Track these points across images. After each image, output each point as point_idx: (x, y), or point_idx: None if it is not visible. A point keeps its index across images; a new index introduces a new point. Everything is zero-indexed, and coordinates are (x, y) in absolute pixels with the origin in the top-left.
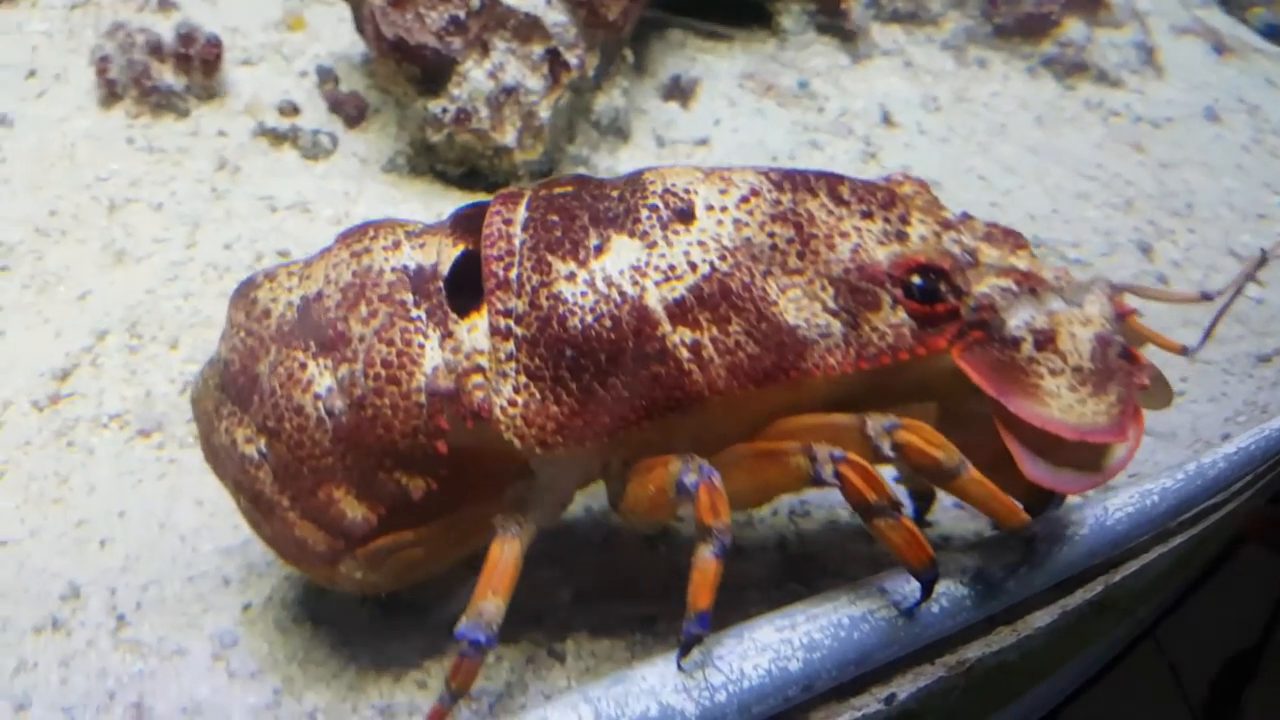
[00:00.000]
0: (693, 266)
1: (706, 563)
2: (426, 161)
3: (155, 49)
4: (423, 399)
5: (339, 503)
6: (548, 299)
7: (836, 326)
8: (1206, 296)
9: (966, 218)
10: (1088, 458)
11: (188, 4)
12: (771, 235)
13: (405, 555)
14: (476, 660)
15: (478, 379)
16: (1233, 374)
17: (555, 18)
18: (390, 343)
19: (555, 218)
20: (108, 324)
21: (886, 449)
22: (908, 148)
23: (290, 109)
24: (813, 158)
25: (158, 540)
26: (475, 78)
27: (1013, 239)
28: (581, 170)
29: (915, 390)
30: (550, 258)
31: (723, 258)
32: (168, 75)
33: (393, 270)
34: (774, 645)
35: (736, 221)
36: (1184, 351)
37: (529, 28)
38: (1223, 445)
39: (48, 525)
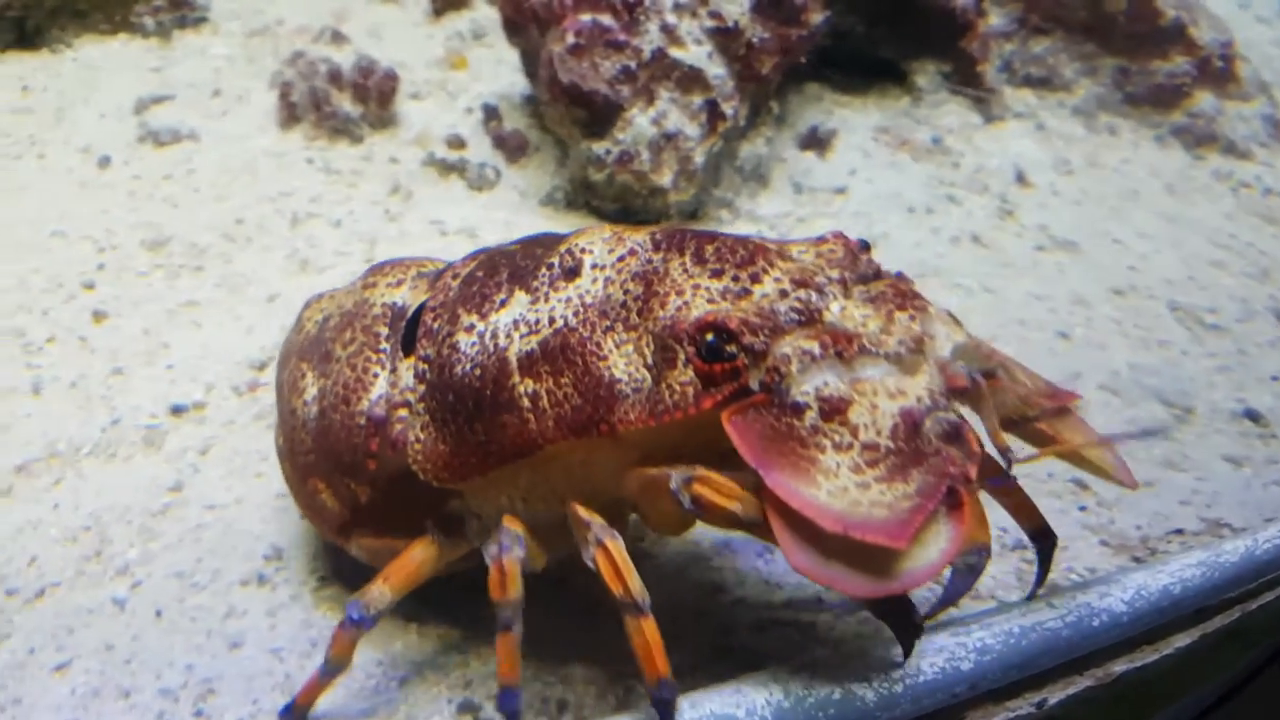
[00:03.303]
0: (550, 322)
1: (633, 626)
2: (583, 198)
3: (335, 78)
4: (363, 421)
5: (321, 494)
6: (448, 348)
7: (648, 382)
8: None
9: (873, 277)
10: (873, 556)
11: (358, 38)
12: (626, 292)
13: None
14: (350, 635)
15: (403, 413)
16: None
17: (715, 70)
18: (354, 368)
19: (481, 273)
20: None
21: (687, 502)
22: (1042, 207)
23: (458, 142)
24: (950, 211)
25: None
26: (639, 123)
27: (898, 301)
28: (724, 213)
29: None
30: (460, 310)
31: (577, 314)
32: (345, 103)
33: (381, 305)
34: (949, 647)
35: (607, 280)
36: (1007, 457)
37: (691, 79)
38: None
39: (251, 495)
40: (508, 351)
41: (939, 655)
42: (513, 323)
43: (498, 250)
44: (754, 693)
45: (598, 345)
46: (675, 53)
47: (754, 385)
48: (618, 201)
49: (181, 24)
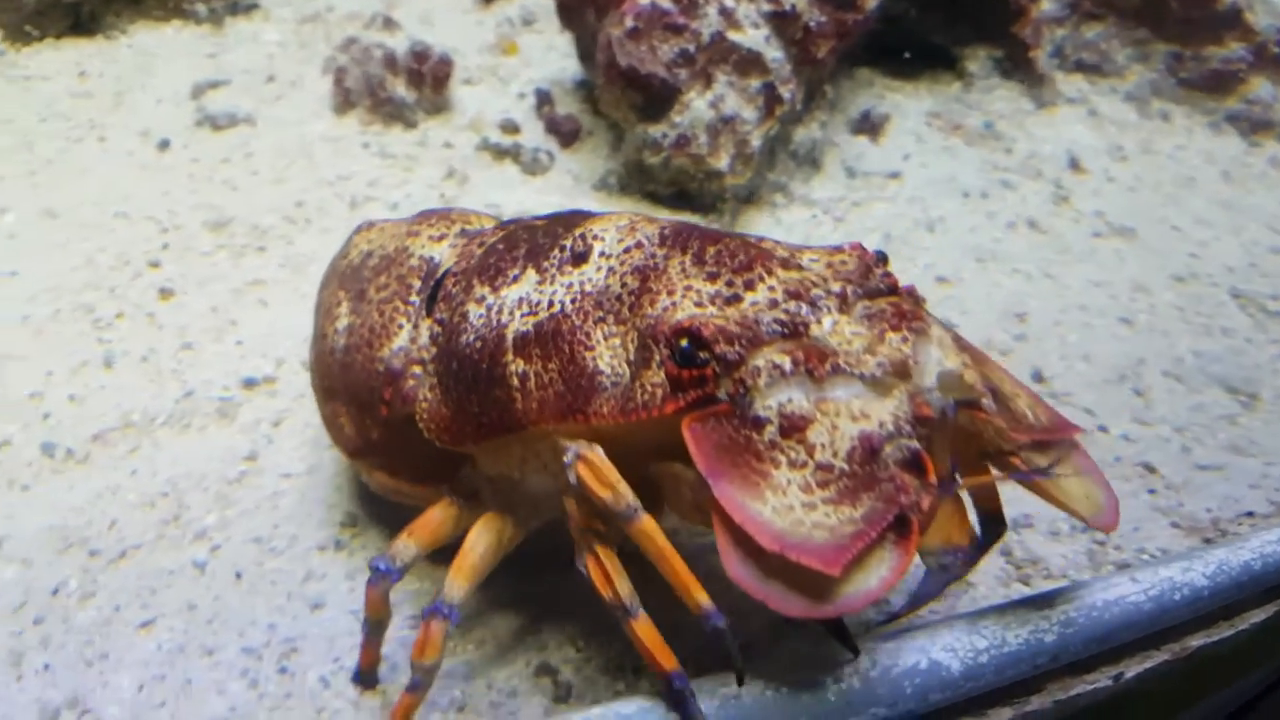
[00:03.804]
0: (549, 305)
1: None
2: (638, 182)
3: (390, 63)
4: (381, 368)
5: (340, 417)
6: (459, 316)
7: (626, 379)
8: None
9: (882, 292)
10: (811, 578)
11: (409, 24)
12: (623, 285)
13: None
14: (380, 588)
15: (416, 370)
16: None
17: (773, 54)
18: (382, 314)
19: (502, 246)
20: None
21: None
22: (1097, 194)
23: (511, 127)
24: (1005, 197)
25: None
26: (697, 106)
27: (894, 321)
28: (778, 196)
29: None
30: (475, 280)
31: (574, 301)
32: (400, 88)
33: (419, 258)
34: (1033, 620)
35: (610, 270)
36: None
37: (749, 63)
38: None
39: (323, 465)
40: (507, 329)
41: (1024, 627)
42: (518, 300)
43: (525, 224)
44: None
45: (587, 335)
46: (733, 36)
47: (721, 394)
48: (672, 185)
49: (233, 10)
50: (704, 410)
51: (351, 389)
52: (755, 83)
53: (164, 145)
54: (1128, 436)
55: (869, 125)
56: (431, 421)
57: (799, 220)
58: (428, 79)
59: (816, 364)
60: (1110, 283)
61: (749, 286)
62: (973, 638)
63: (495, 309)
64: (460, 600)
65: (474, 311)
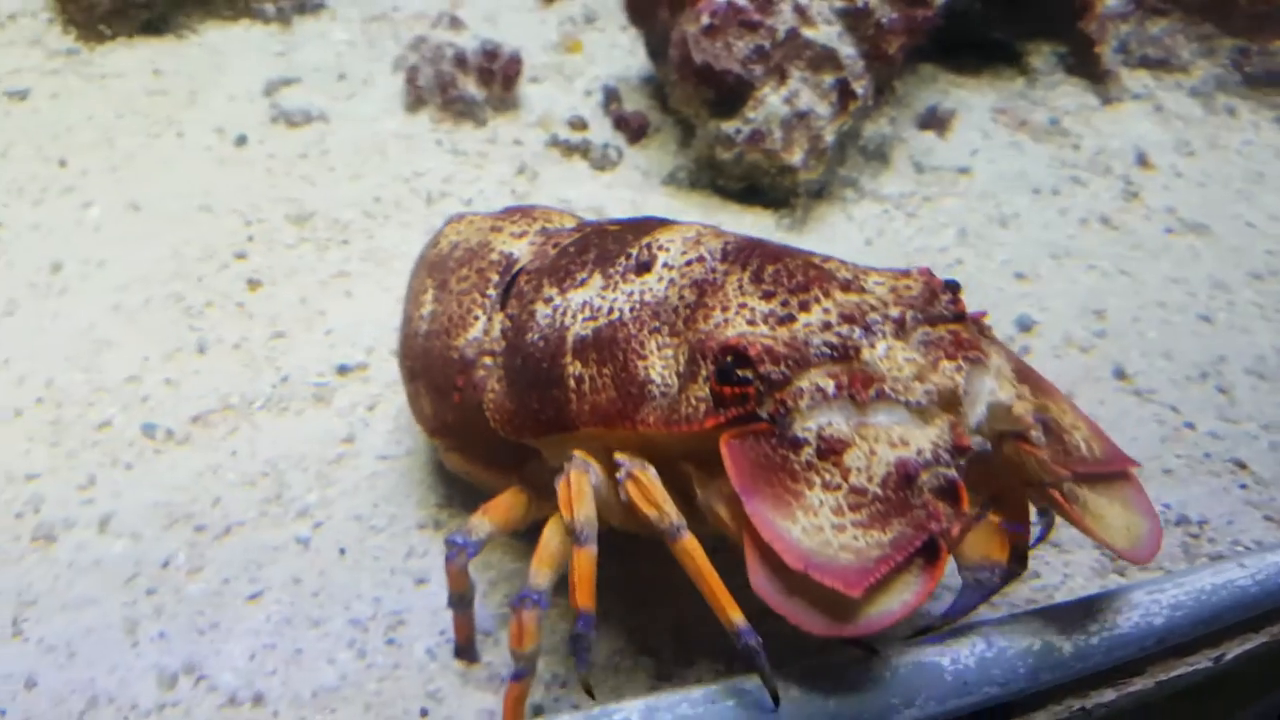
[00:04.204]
0: (610, 311)
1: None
2: (708, 176)
3: (461, 62)
4: (456, 356)
5: (421, 397)
6: (526, 314)
7: (674, 390)
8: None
9: (946, 320)
10: (834, 597)
11: (474, 24)
12: (681, 298)
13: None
14: (457, 563)
15: (488, 361)
16: None
17: (846, 50)
18: (460, 304)
19: (574, 249)
20: None
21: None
22: (1167, 189)
23: (579, 124)
24: (1076, 193)
25: None
26: (771, 102)
27: (950, 350)
28: (849, 191)
29: None
30: (545, 280)
31: (634, 309)
32: (470, 86)
33: (499, 253)
34: (1144, 604)
35: (670, 281)
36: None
37: (823, 59)
38: None
39: (420, 448)
40: (568, 331)
41: (1134, 611)
42: (581, 304)
43: (599, 227)
44: (958, 643)
45: (641, 344)
46: (808, 33)
47: (762, 413)
48: (744, 180)
49: (301, 10)
50: (744, 428)
51: (430, 372)
52: (829, 79)
53: (241, 141)
54: (1215, 434)
55: (935, 121)
56: (497, 412)
57: (870, 215)
58: (498, 77)
59: (860, 389)
60: (1187, 279)
61: (804, 307)
62: (1085, 621)
63: (560, 310)
64: (545, 587)
65: (541, 311)
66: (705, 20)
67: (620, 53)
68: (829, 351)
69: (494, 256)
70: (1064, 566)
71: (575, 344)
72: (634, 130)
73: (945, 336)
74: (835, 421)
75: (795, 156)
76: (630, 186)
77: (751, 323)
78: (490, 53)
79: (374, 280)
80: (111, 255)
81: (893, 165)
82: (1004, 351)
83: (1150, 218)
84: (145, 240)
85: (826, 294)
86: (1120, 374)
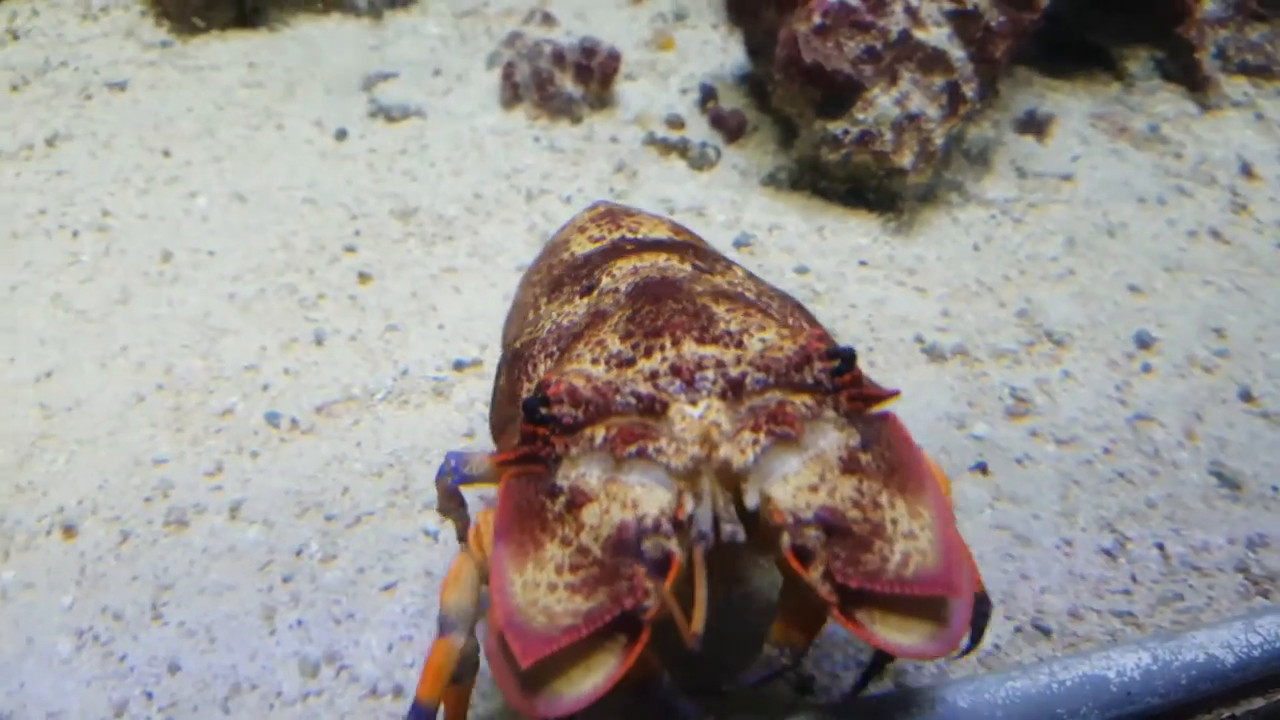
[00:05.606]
0: (540, 329)
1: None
2: (810, 177)
3: (558, 59)
4: (519, 346)
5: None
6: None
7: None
8: None
9: (811, 389)
10: (535, 667)
11: (565, 20)
12: (573, 325)
13: None
14: (443, 480)
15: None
16: None
17: (957, 53)
18: (526, 297)
19: (580, 261)
20: None
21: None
22: (1274, 202)
23: (677, 122)
24: (1182, 204)
25: None
26: (882, 104)
27: (765, 423)
28: (954, 195)
29: None
30: (546, 291)
31: (550, 332)
32: (568, 84)
33: (570, 254)
34: None
35: (587, 308)
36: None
37: (934, 61)
38: None
39: None
40: (517, 342)
41: None
42: (541, 318)
43: (614, 244)
44: (1123, 657)
45: (534, 368)
46: (919, 35)
47: (547, 455)
48: (849, 182)
49: (392, 4)
50: (525, 468)
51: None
52: (939, 81)
53: (341, 135)
54: None
55: (1034, 125)
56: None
57: (977, 220)
58: (595, 74)
59: (620, 444)
60: None
61: (647, 353)
62: (1249, 634)
63: (533, 321)
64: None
65: (530, 318)
66: (817, 20)
67: (713, 50)
68: (634, 402)
69: (565, 255)
70: (1208, 589)
71: (507, 357)
72: (732, 129)
73: (769, 406)
74: (590, 474)
75: (905, 159)
76: (729, 186)
77: (595, 361)
78: (589, 50)
79: (480, 276)
80: (221, 246)
81: (995, 169)
82: (878, 436)
83: (1262, 231)
84: (253, 231)
85: (676, 343)
86: (1246, 395)
